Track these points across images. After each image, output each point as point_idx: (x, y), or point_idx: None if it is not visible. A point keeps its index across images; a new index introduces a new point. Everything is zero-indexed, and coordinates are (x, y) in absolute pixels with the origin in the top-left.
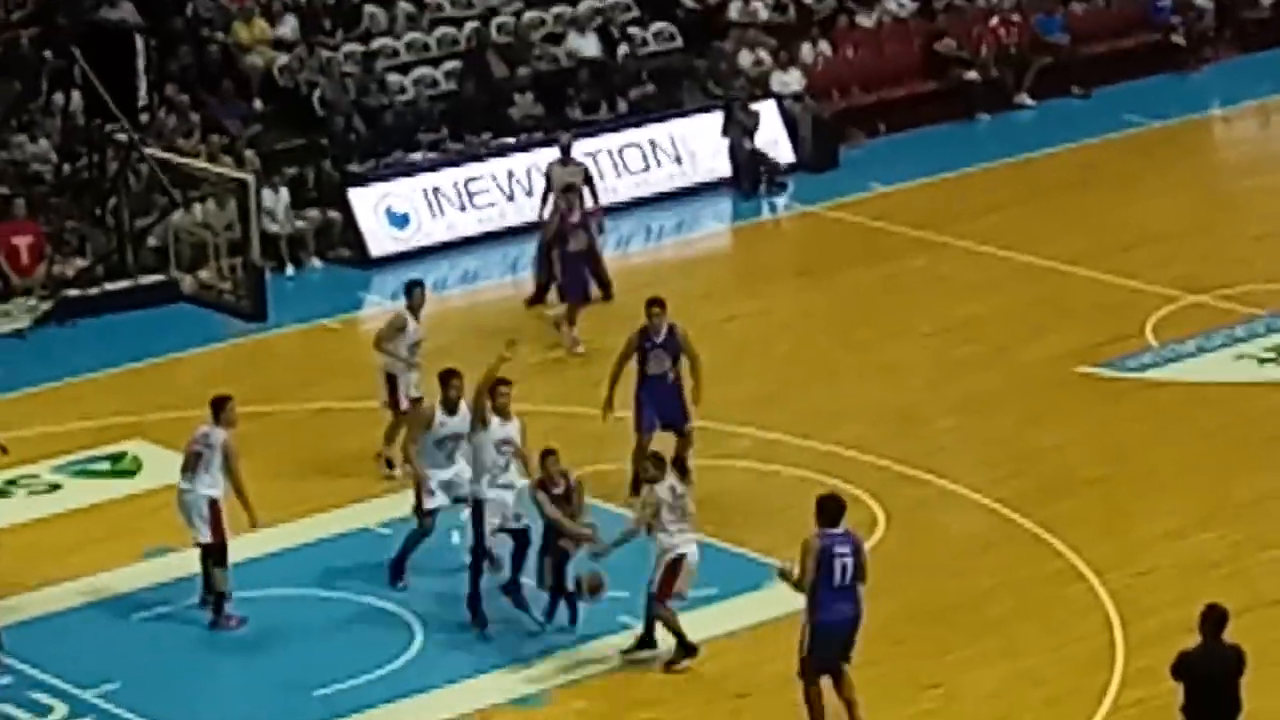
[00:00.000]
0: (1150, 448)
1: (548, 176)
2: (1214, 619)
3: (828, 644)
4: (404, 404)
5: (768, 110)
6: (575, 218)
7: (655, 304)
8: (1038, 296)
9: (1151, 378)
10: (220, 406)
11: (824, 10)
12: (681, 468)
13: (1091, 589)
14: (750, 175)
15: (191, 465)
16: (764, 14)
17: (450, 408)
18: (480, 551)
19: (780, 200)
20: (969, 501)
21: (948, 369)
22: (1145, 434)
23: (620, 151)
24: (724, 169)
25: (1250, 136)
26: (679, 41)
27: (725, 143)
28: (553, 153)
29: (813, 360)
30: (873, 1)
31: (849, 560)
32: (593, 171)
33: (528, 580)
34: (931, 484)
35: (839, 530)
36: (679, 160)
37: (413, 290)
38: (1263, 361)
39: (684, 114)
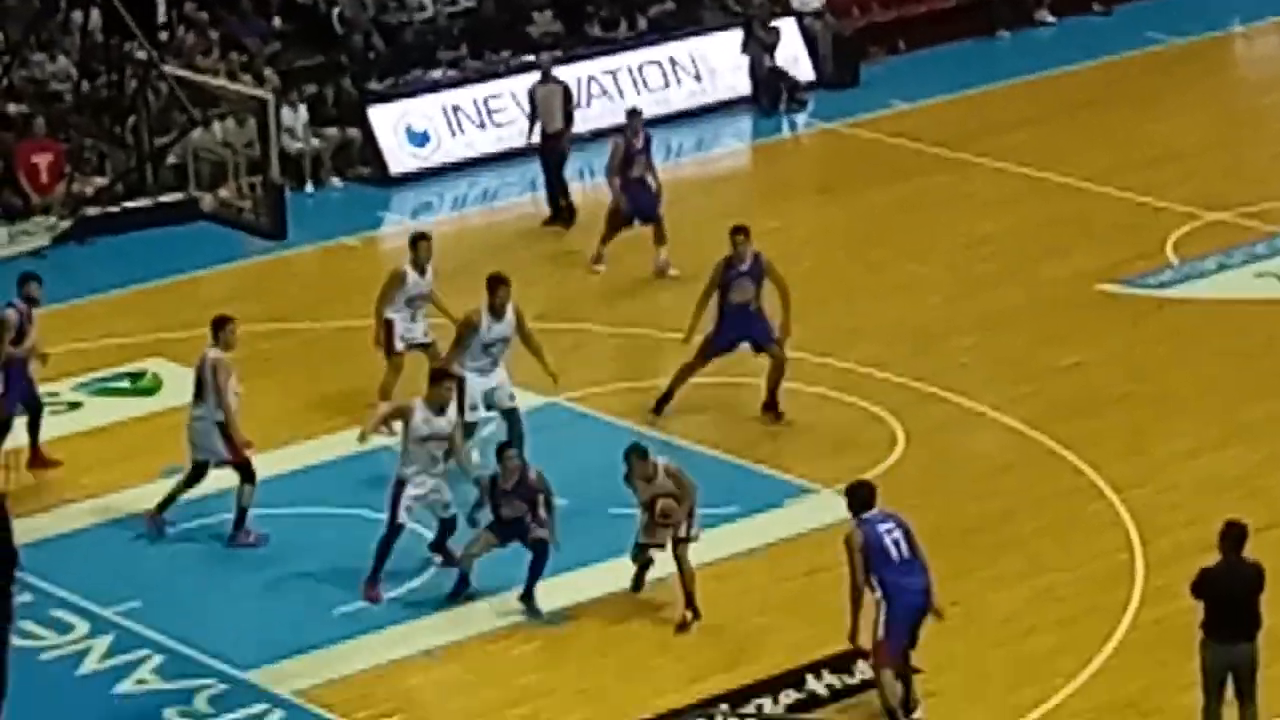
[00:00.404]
0: (1170, 366)
1: (531, 97)
2: (1234, 535)
3: (907, 622)
4: (399, 347)
5: (788, 27)
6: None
7: (739, 231)
8: (1058, 214)
9: (1172, 295)
10: (219, 327)
11: None
12: (772, 398)
13: (1111, 507)
14: (770, 93)
15: (199, 391)
16: None
17: (497, 313)
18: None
19: (800, 118)
20: (988, 420)
21: (967, 287)
22: (1165, 353)
23: (640, 69)
24: (744, 87)
25: (1271, 54)
26: None
27: (745, 60)
28: (574, 70)
29: (832, 278)
30: None
31: (898, 534)
32: (572, 91)
33: None
34: (951, 402)
35: (875, 512)
36: (699, 78)
37: (417, 243)
38: None
39: (704, 31)
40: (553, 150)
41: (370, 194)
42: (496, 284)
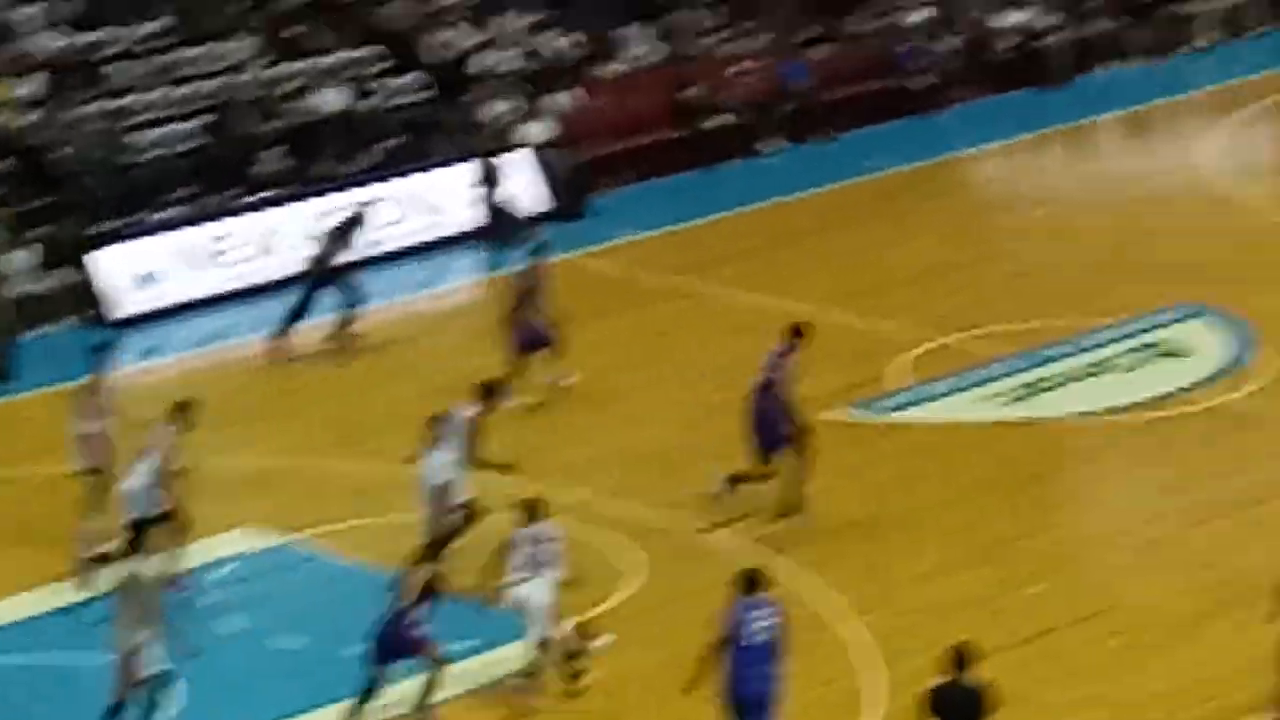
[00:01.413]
0: (906, 489)
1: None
2: (958, 656)
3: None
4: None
5: (518, 160)
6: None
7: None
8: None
9: (904, 419)
10: None
11: (572, 59)
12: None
13: (851, 630)
14: (501, 226)
15: None
16: (513, 64)
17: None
18: None
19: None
20: (730, 545)
21: (704, 414)
22: (901, 475)
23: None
24: (476, 220)
25: (995, 177)
26: (428, 94)
27: (476, 194)
28: (304, 208)
29: (570, 408)
30: (619, 50)
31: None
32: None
33: None
34: (692, 529)
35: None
36: (429, 212)
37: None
38: (1013, 401)
39: (434, 166)
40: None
41: (98, 336)
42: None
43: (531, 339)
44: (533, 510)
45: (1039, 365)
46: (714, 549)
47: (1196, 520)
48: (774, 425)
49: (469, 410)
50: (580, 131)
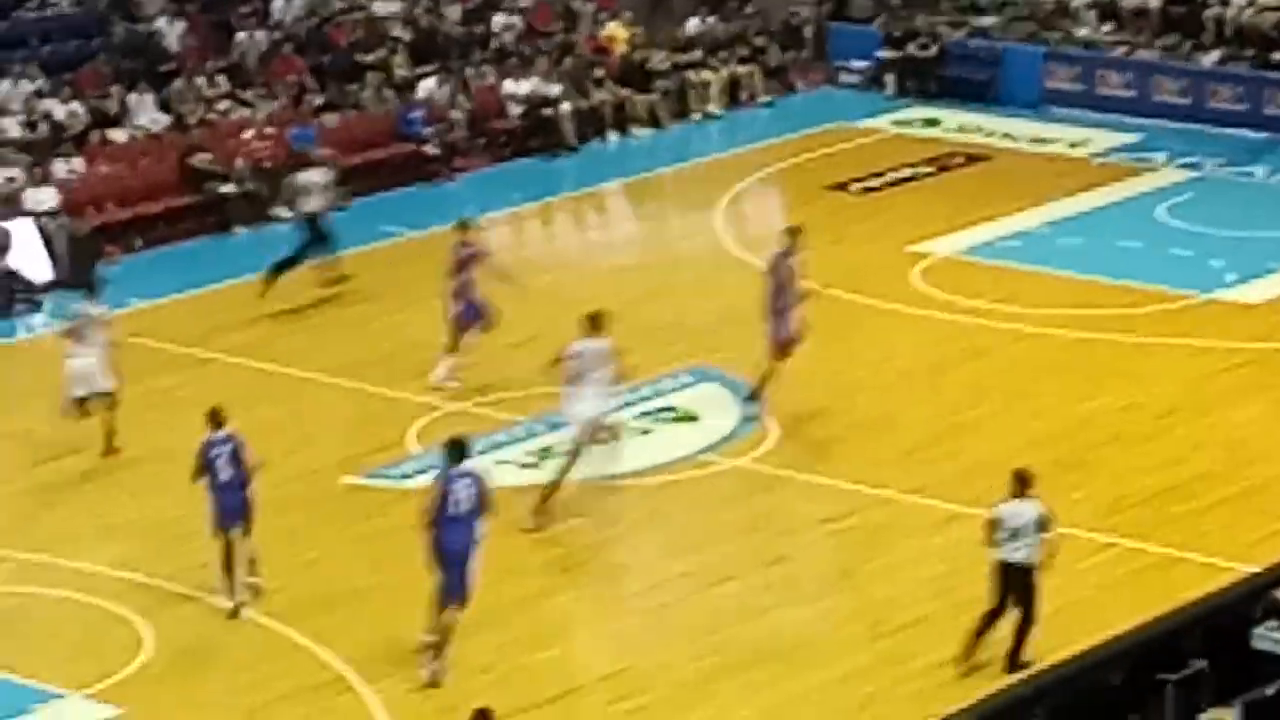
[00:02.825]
0: (417, 554)
1: None
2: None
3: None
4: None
5: (22, 228)
6: None
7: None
8: (299, 409)
9: (416, 485)
10: None
11: (76, 126)
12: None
13: (361, 698)
14: (4, 295)
15: None
16: (15, 130)
17: None
18: None
19: (37, 318)
20: (237, 620)
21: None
22: (412, 541)
23: None
24: None
25: (504, 245)
26: None
27: None
28: None
29: (75, 478)
30: (125, 117)
31: (467, 491)
32: None
33: None
34: (201, 600)
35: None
36: None
37: None
38: (524, 466)
39: None
40: None
41: None
42: None
43: None
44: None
45: (551, 430)
46: (222, 620)
47: (707, 583)
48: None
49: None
50: (86, 199)
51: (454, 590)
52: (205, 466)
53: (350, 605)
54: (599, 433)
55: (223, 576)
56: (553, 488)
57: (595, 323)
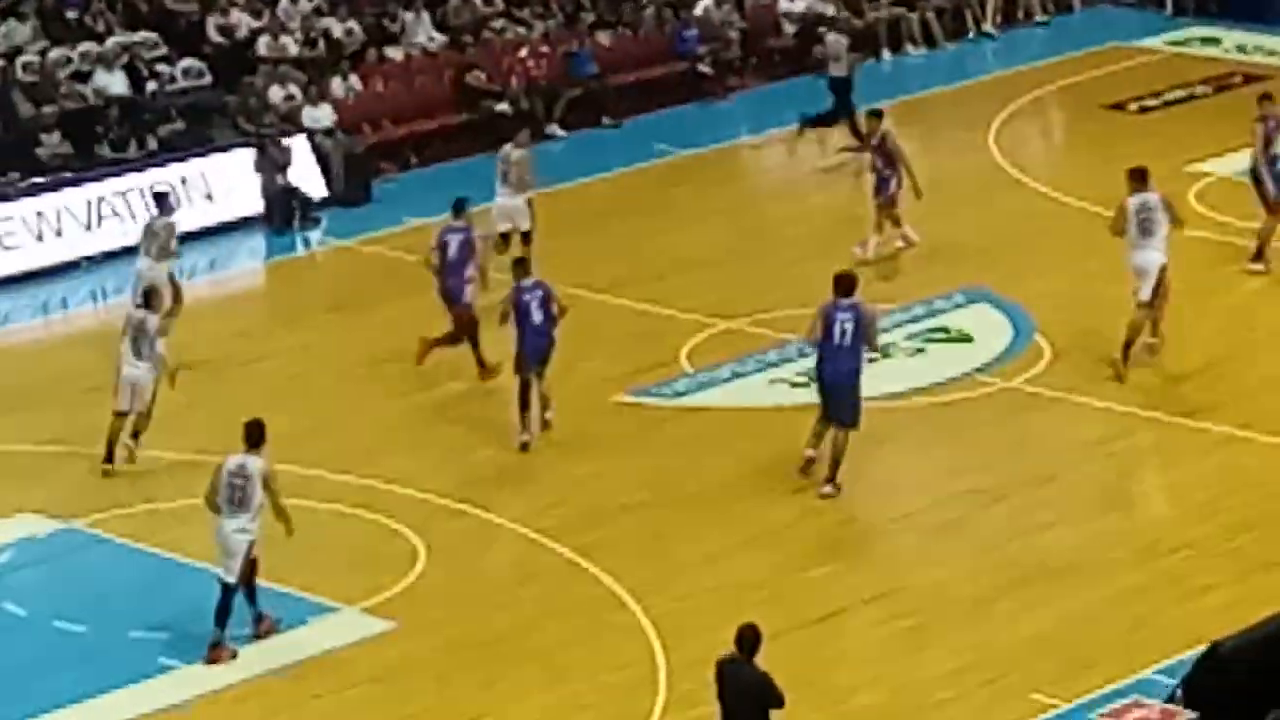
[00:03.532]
0: (688, 473)
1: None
2: (740, 639)
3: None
4: None
5: (299, 145)
6: None
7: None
8: (573, 325)
9: (688, 404)
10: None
11: (353, 44)
12: None
13: (633, 615)
14: (283, 211)
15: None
16: (293, 49)
17: None
18: None
19: (314, 235)
20: (510, 532)
21: (487, 401)
22: (683, 460)
23: (152, 189)
24: (256, 205)
25: (776, 164)
26: (208, 78)
27: (257, 179)
28: (85, 192)
29: (351, 394)
30: (401, 35)
31: (849, 323)
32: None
33: None
34: (472, 516)
35: (844, 301)
36: (210, 197)
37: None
38: (795, 385)
39: (215, 150)
40: None
41: None
42: None
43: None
44: None
45: None
46: (492, 535)
47: (983, 503)
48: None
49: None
50: (362, 117)
51: (845, 416)
52: (516, 310)
53: (620, 523)
54: None
55: (519, 414)
56: None
57: None
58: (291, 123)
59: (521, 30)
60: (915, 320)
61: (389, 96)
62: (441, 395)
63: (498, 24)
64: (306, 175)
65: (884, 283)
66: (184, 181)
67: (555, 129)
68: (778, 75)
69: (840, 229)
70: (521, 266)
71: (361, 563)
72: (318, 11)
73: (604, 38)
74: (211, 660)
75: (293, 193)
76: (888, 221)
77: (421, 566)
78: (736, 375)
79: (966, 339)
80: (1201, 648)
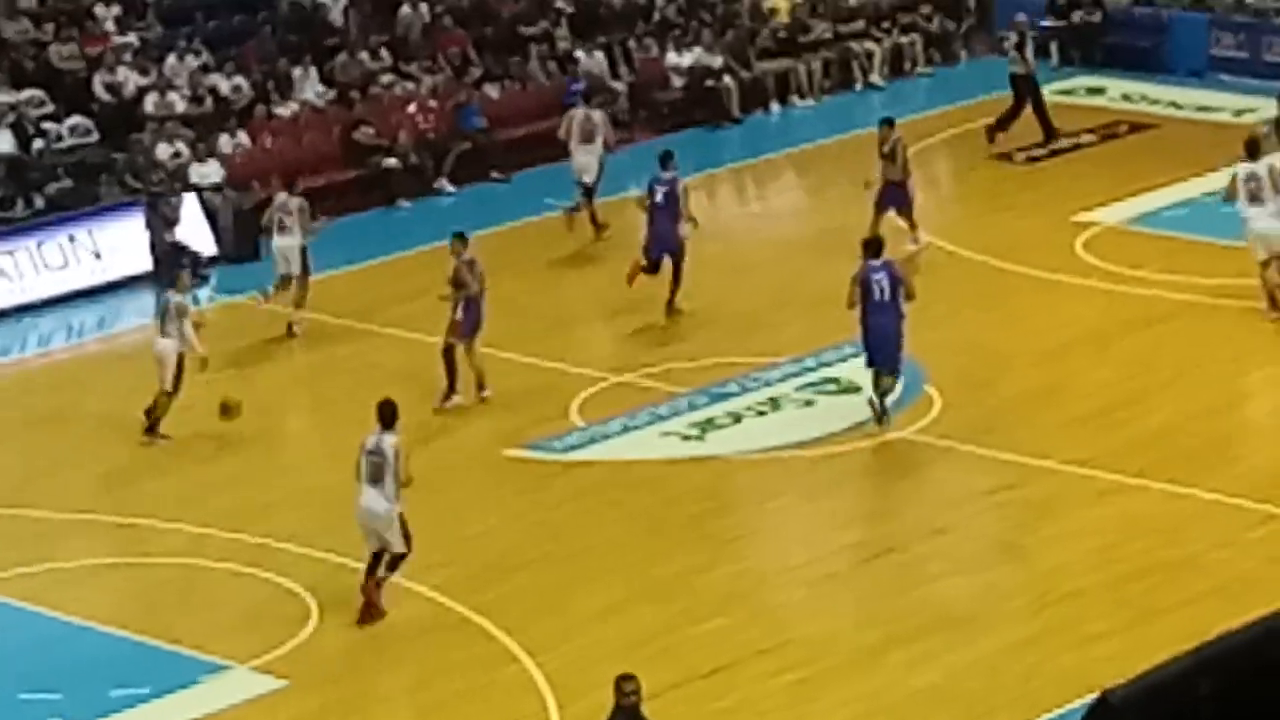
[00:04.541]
0: (580, 527)
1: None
2: (620, 688)
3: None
4: None
5: (188, 203)
6: None
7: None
8: (462, 381)
9: (578, 458)
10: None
11: (240, 101)
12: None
13: (525, 670)
14: (172, 268)
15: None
16: (180, 106)
17: None
18: None
19: (203, 292)
20: (402, 590)
21: None
22: (575, 514)
23: (39, 248)
24: (145, 263)
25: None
26: (95, 136)
27: (146, 237)
28: None
29: (241, 452)
30: (289, 92)
31: (884, 281)
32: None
33: None
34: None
35: (876, 262)
36: (98, 255)
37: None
38: (686, 438)
39: (103, 209)
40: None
41: None
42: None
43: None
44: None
45: (714, 402)
46: (386, 592)
47: (874, 554)
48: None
49: None
50: (251, 173)
51: (892, 364)
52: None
53: (512, 578)
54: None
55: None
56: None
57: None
58: (179, 180)
59: (409, 85)
60: (805, 372)
61: (277, 153)
62: (335, 451)
63: (385, 79)
64: (195, 232)
65: (775, 335)
66: (72, 240)
67: (444, 184)
68: (666, 128)
69: (731, 280)
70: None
71: (253, 621)
72: (205, 68)
73: (492, 91)
74: (363, 620)
75: (182, 250)
76: (903, 221)
77: (313, 625)
78: (627, 429)
79: (856, 390)
80: (1093, 696)
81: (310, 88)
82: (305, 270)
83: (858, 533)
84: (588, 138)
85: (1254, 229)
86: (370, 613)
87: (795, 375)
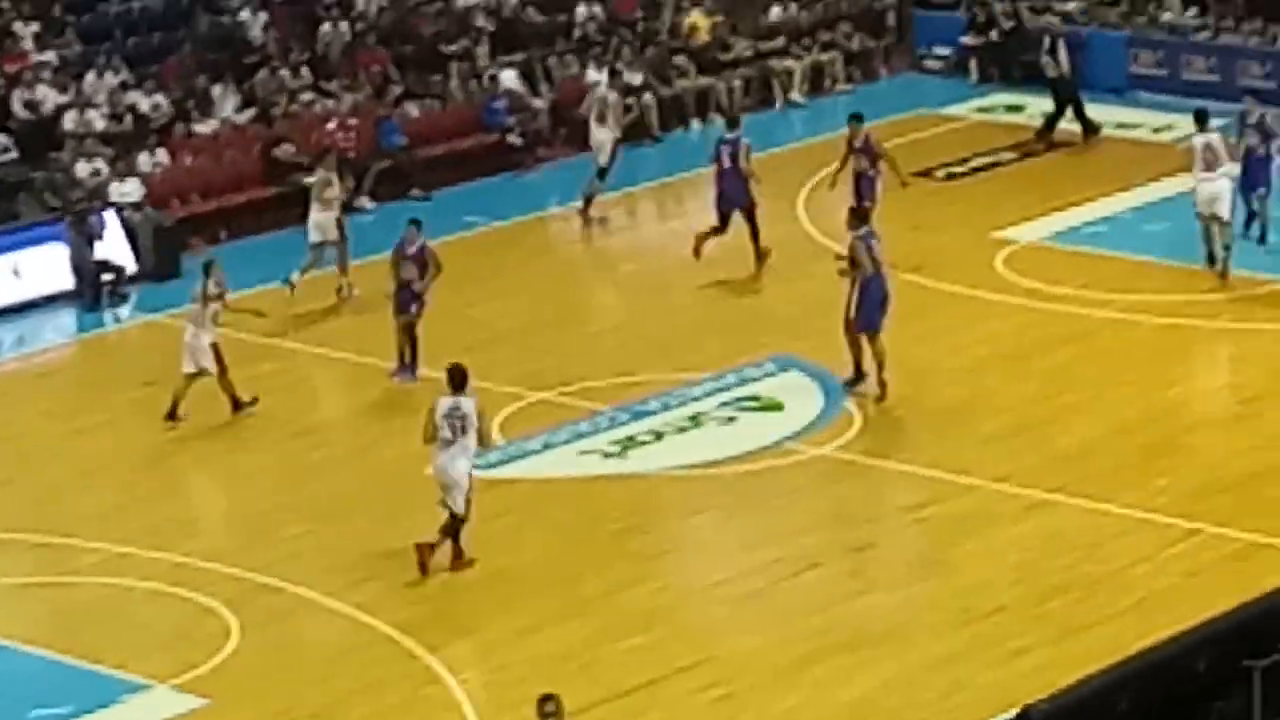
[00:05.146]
0: (502, 545)
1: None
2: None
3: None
4: None
5: (108, 220)
6: None
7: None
8: (385, 399)
9: (500, 475)
10: None
11: (160, 119)
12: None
13: (448, 688)
14: (92, 287)
15: None
16: (100, 124)
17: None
18: None
19: (124, 310)
20: (324, 608)
21: (300, 474)
22: (497, 532)
23: None
24: (65, 281)
25: (587, 234)
26: (14, 154)
27: (66, 255)
28: None
29: (162, 471)
30: (209, 109)
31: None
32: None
33: None
34: (286, 592)
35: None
36: (18, 273)
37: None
38: (607, 456)
39: (22, 228)
40: None
41: None
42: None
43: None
44: None
45: (635, 420)
46: (306, 610)
47: (796, 570)
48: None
49: None
50: (170, 191)
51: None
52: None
53: (435, 595)
54: None
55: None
56: None
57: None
58: (99, 198)
59: (330, 103)
60: (727, 389)
61: (197, 170)
62: (254, 469)
63: (306, 97)
64: (116, 250)
65: (694, 353)
66: None
67: (365, 201)
68: (586, 146)
69: (652, 298)
70: None
71: (175, 640)
72: (124, 86)
73: (412, 109)
74: (455, 568)
75: (102, 268)
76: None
77: (235, 643)
78: (548, 446)
79: (777, 407)
80: (1015, 711)
81: (230, 105)
82: (343, 237)
83: (779, 549)
84: (600, 117)
85: (1207, 190)
86: (461, 561)
87: (716, 392)
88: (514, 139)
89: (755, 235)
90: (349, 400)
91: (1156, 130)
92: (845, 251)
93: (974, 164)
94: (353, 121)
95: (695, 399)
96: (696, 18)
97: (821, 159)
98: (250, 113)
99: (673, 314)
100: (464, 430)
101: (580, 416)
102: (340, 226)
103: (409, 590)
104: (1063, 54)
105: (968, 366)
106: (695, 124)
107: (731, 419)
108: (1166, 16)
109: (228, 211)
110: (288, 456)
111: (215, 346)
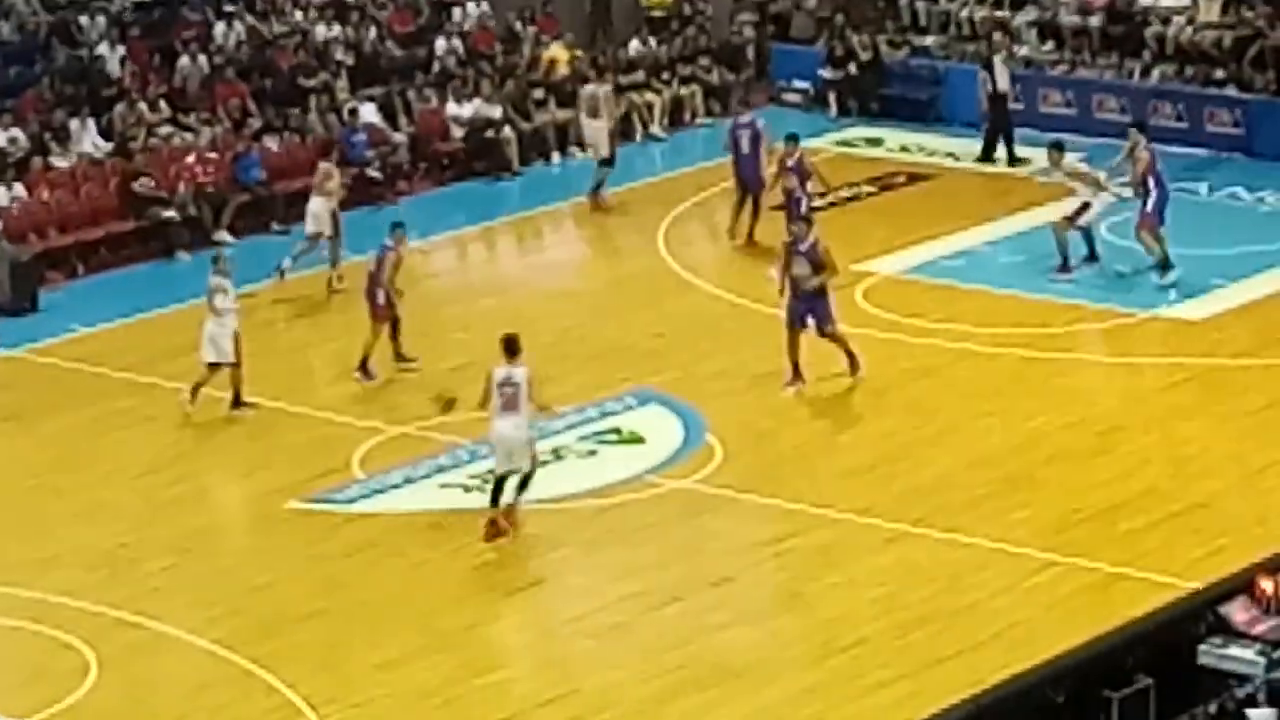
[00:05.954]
0: (363, 579)
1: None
2: None
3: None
4: None
5: None
6: None
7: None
8: (243, 434)
9: (360, 510)
10: None
11: (17, 153)
12: None
13: None
14: None
15: None
16: None
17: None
18: None
19: None
20: (183, 643)
21: (158, 509)
22: (358, 566)
23: None
24: None
25: (446, 268)
26: None
27: None
28: None
29: (19, 507)
30: (67, 143)
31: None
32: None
33: None
34: (145, 627)
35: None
36: None
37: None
38: (468, 489)
39: None
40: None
41: None
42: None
43: None
44: None
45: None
46: (166, 645)
47: (656, 604)
48: None
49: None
50: (28, 225)
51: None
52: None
53: (295, 631)
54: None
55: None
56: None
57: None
58: None
59: (188, 136)
60: (587, 422)
61: (55, 204)
62: (109, 504)
63: (164, 131)
64: None
65: (555, 386)
66: None
67: (224, 235)
68: (446, 180)
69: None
70: None
71: (31, 677)
72: None
73: (271, 143)
74: (490, 536)
75: None
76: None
77: (93, 679)
78: (409, 480)
79: (638, 440)
80: None
81: (88, 139)
82: (337, 230)
83: (641, 582)
84: (593, 111)
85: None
86: (496, 530)
87: (577, 424)
88: (374, 172)
89: (755, 216)
90: (207, 436)
91: (1011, 163)
92: (777, 271)
93: (832, 198)
94: (211, 155)
95: (556, 432)
96: (556, 51)
97: (682, 192)
98: (108, 146)
99: (532, 348)
100: (517, 398)
101: (440, 451)
102: (335, 219)
103: (269, 624)
104: (1000, 74)
105: (828, 400)
106: (556, 157)
107: (592, 452)
108: (1023, 51)
109: (86, 245)
110: (147, 491)
111: (237, 336)
